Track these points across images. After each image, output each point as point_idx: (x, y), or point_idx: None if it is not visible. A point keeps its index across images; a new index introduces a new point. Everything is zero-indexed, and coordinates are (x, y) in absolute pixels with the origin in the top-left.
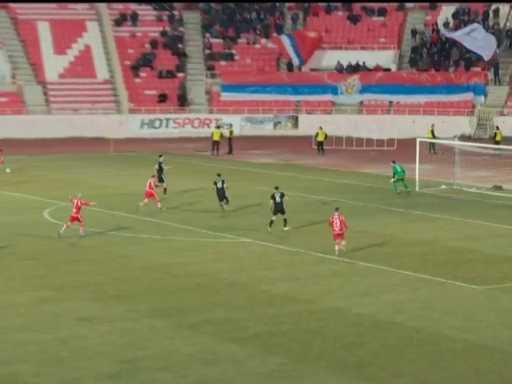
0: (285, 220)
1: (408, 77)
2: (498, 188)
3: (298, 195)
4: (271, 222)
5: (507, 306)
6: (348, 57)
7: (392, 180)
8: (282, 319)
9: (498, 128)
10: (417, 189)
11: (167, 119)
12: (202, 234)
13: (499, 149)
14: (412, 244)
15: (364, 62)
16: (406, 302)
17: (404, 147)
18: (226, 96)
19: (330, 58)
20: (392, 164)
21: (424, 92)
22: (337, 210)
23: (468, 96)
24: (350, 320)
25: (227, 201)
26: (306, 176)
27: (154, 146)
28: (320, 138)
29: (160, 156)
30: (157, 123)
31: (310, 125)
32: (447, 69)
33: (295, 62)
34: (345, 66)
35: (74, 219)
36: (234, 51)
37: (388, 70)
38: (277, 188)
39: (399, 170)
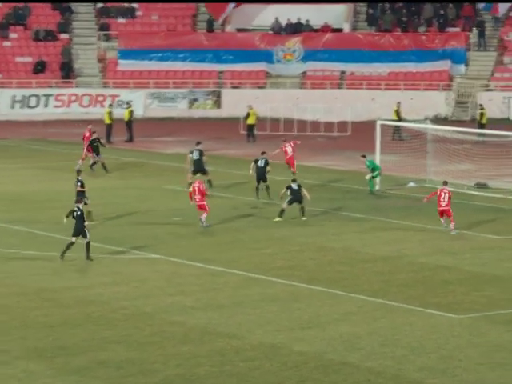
0: (302, 209)
1: (365, 39)
2: (483, 186)
3: (222, 196)
4: (282, 210)
5: (494, 339)
6: (287, 13)
7: (370, 176)
8: (199, 360)
9: (482, 107)
10: (377, 187)
11: (47, 96)
12: (93, 249)
13: (484, 134)
14: (370, 260)
15: (308, 20)
16: (363, 337)
17: (360, 132)
18: (125, 65)
19: (263, 15)
20: (363, 159)
21: (386, 60)
22: (445, 183)
23: (444, 65)
24: (290, 360)
25: (267, 188)
26: (231, 171)
27: (28, 131)
28: (251, 121)
29: (198, 143)
30: (33, 101)
31: (236, 103)
32: (417, 29)
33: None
34: (283, 26)
35: (200, 208)
36: (135, 5)
37: (339, 30)
38: (294, 180)
39: (376, 164)
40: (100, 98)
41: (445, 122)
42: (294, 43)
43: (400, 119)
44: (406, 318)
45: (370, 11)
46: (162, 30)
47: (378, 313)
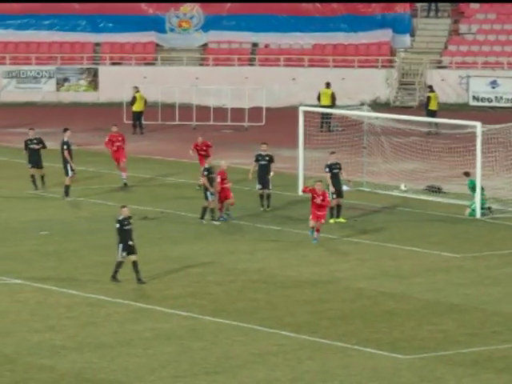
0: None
1: (284, 3)
2: (436, 190)
3: (100, 203)
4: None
5: None
6: None
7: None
8: None
9: (432, 89)
10: (300, 192)
11: None
12: None
13: (436, 124)
14: (294, 286)
15: None
16: (285, 383)
17: (278, 122)
18: None
19: None
20: (467, 177)
21: (311, 29)
22: (320, 181)
23: (384, 35)
24: None
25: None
26: (113, 171)
27: None
28: (137, 108)
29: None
30: None
31: (117, 84)
32: None
33: None
34: None
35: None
36: None
37: None
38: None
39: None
40: None
41: (386, 108)
42: (192, 7)
43: (333, 105)
44: (339, 360)
45: None
46: None
47: (304, 353)
